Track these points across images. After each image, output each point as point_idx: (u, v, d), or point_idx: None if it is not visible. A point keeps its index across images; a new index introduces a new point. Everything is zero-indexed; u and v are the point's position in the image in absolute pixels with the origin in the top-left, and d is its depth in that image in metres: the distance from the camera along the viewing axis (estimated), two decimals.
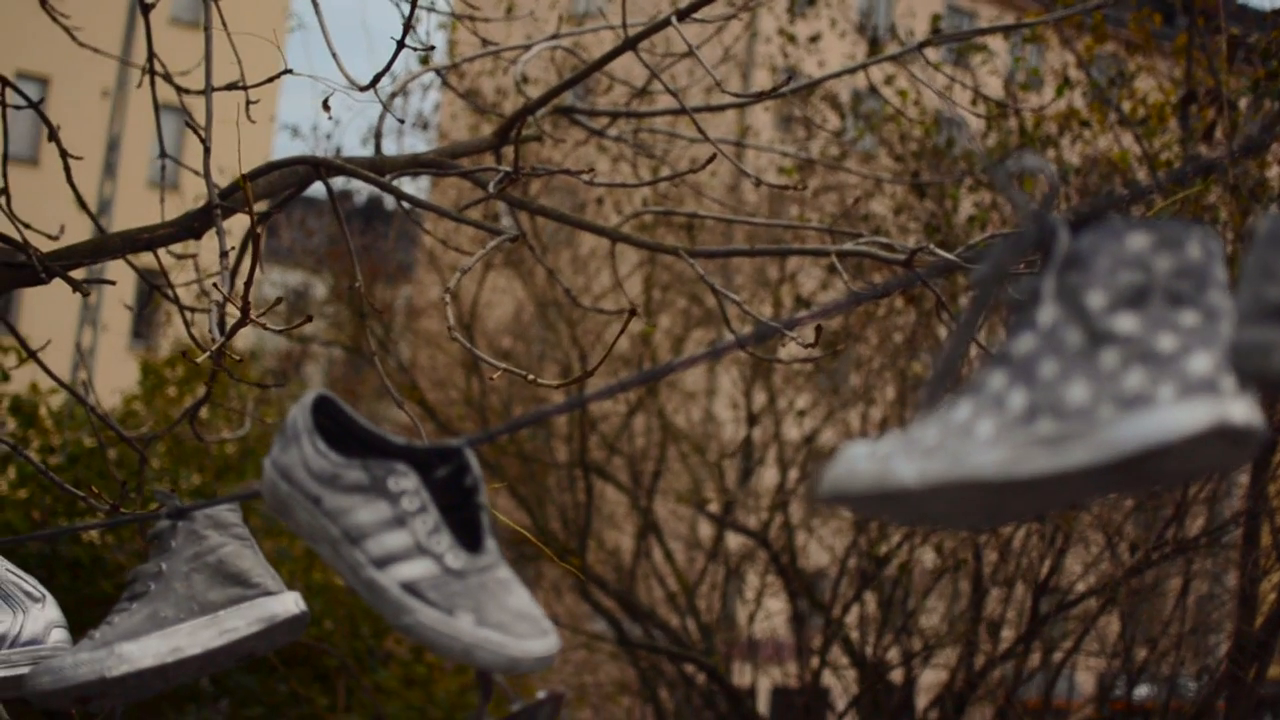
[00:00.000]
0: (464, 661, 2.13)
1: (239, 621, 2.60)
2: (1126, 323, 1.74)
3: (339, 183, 5.48)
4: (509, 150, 5.65)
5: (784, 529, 13.11)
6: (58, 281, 4.77)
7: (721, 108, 5.98)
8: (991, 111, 8.79)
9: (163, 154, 5.67)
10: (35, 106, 5.02)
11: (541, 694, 2.38)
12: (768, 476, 13.70)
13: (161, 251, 5.25)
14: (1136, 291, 1.75)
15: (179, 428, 7.45)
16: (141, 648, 2.56)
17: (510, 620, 2.13)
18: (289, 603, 2.66)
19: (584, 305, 5.33)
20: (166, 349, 13.64)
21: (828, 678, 12.85)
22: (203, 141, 4.88)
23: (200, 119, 5.00)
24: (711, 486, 13.99)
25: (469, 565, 2.16)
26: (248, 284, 3.45)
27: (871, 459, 1.81)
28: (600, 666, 14.67)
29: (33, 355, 5.14)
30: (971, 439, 1.75)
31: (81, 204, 5.39)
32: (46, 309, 15.11)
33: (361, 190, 20.03)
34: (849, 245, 4.97)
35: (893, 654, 12.18)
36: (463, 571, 2.15)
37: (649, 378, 2.31)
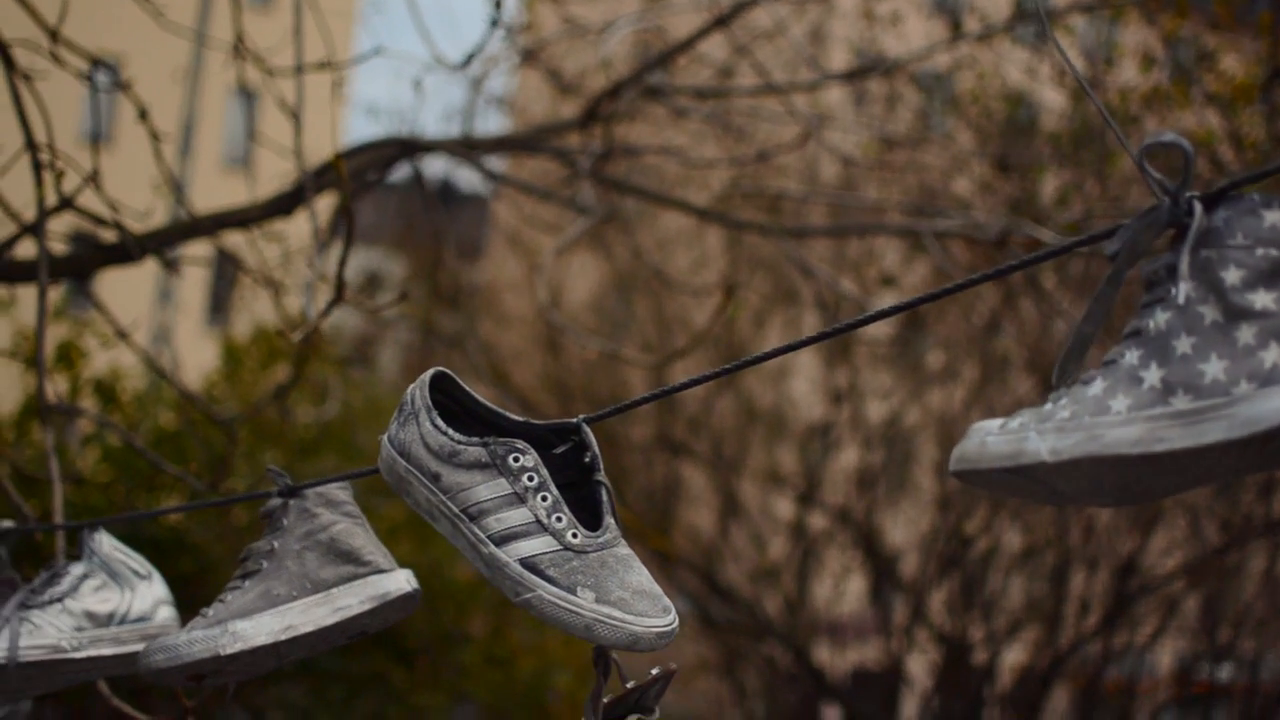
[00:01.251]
0: (584, 638, 2.13)
1: (351, 599, 2.61)
2: (1263, 299, 1.72)
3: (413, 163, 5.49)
4: (595, 128, 5.66)
5: (866, 509, 13.08)
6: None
7: (811, 85, 5.96)
8: (1079, 87, 8.73)
9: (250, 134, 5.71)
10: (125, 88, 5.05)
11: (654, 670, 2.37)
12: (848, 456, 13.66)
13: (240, 231, 5.29)
14: (1273, 267, 1.73)
15: (259, 407, 7.49)
16: (255, 625, 2.56)
17: (630, 597, 2.13)
18: (401, 580, 2.66)
19: (675, 284, 5.33)
20: (244, 329, 13.67)
21: (909, 658, 12.84)
22: (295, 120, 4.90)
23: (276, 101, 5.02)
24: (793, 466, 13.97)
25: (588, 542, 2.16)
26: (342, 263, 3.45)
27: (1004, 434, 1.80)
28: (682, 646, 14.66)
29: (123, 336, 5.18)
30: (1106, 415, 1.74)
31: (172, 186, 5.41)
32: (121, 290, 15.16)
33: (437, 171, 20.08)
34: (941, 224, 4.95)
35: (975, 633, 12.14)
36: (582, 548, 2.15)
37: (749, 363, 2.30)
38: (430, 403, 2.27)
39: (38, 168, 4.41)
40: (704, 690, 14.63)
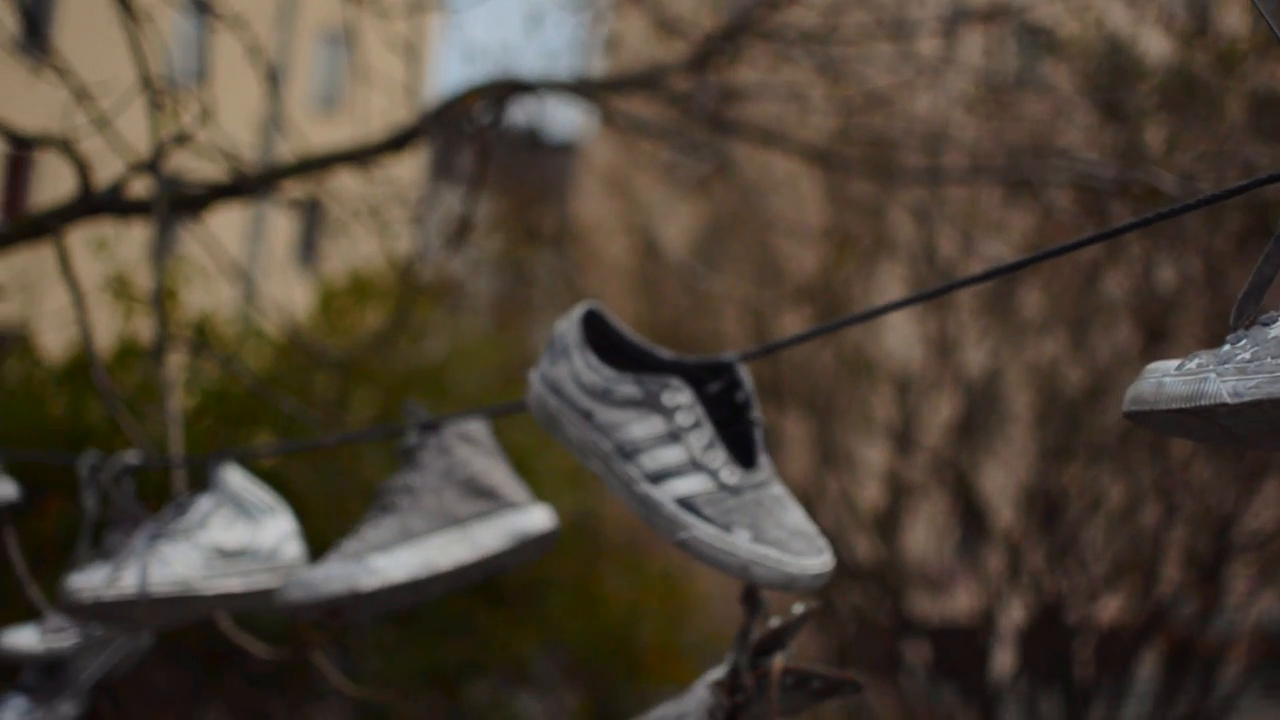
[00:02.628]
0: (740, 578, 2.11)
1: (491, 536, 2.59)
2: None
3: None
4: (708, 70, 5.62)
5: (962, 459, 12.99)
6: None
7: (918, 30, 5.91)
8: (1187, 33, 8.64)
9: (349, 73, 5.71)
10: (240, 27, 5.05)
11: (798, 608, 2.35)
12: (945, 405, 13.55)
13: (352, 168, 5.29)
14: None
15: (353, 348, 7.51)
16: (394, 561, 2.54)
17: (786, 537, 2.10)
18: (540, 518, 2.64)
19: (787, 228, 5.30)
20: (336, 270, 13.64)
21: (1001, 611, 12.78)
22: (411, 54, 4.89)
23: (384, 41, 5.02)
24: (888, 414, 13.86)
25: (744, 481, 2.14)
26: (474, 201, 3.43)
27: (1182, 375, 1.77)
28: (775, 596, 14.52)
29: (235, 275, 5.19)
30: None
31: (279, 125, 5.43)
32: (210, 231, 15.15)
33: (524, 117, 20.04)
34: (1059, 166, 4.90)
35: (1069, 587, 12.05)
36: (738, 488, 2.13)
37: (861, 318, 2.27)
38: (583, 339, 2.25)
39: (154, 105, 4.41)
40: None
